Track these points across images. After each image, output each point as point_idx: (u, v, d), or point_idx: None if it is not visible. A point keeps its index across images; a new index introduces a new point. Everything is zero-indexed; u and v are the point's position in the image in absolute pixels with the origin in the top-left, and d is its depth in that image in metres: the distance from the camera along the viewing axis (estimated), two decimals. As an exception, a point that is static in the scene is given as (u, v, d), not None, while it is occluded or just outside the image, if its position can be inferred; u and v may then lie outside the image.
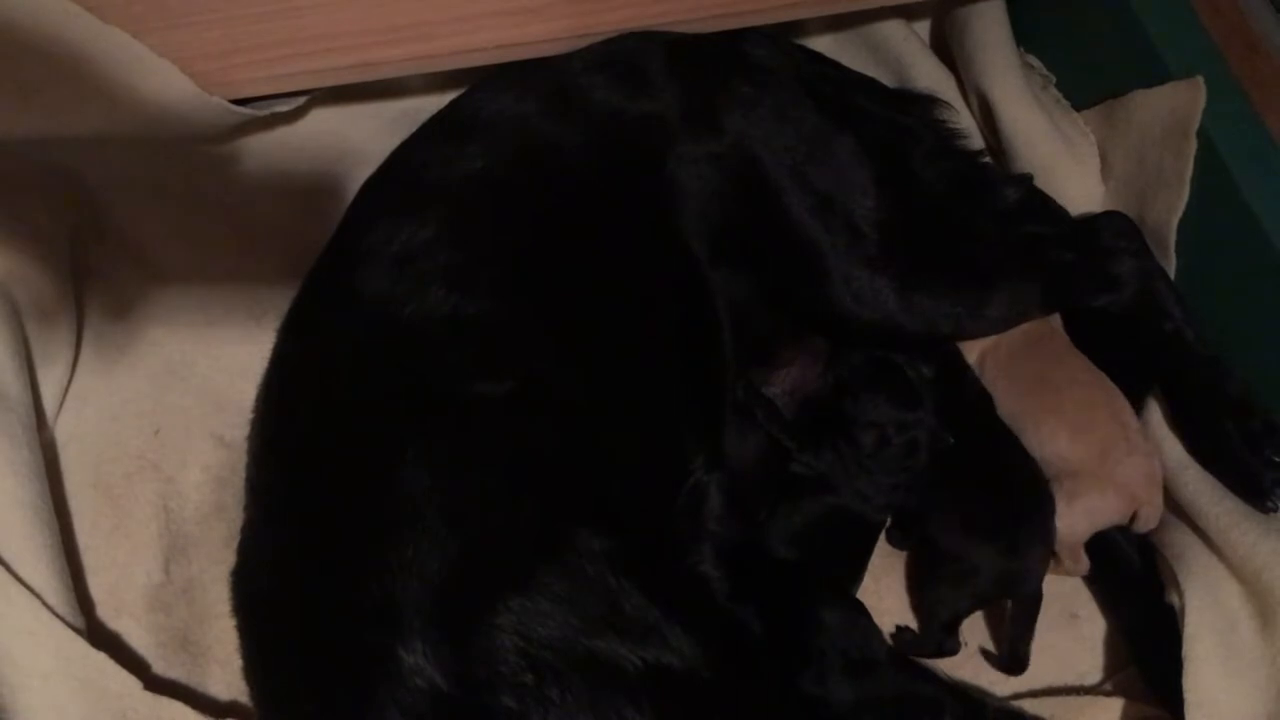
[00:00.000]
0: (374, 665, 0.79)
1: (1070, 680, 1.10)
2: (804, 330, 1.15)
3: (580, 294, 1.00)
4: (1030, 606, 1.07)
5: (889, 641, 1.04)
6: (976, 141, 1.31)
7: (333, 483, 0.89)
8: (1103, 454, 1.07)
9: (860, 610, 1.00)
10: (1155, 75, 1.16)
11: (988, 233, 1.13)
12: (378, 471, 0.87)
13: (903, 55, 1.34)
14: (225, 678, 1.03)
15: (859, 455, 1.10)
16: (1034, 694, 1.09)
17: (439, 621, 0.79)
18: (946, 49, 1.38)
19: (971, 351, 1.17)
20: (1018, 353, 1.15)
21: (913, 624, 1.12)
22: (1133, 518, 1.08)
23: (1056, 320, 1.18)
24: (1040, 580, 1.07)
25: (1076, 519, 1.07)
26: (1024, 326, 1.15)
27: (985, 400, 1.15)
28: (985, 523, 1.07)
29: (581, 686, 0.78)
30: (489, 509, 0.85)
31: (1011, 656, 1.08)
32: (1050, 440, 1.10)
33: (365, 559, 0.83)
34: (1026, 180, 1.22)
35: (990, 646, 1.11)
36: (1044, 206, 1.22)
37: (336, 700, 0.81)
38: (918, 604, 1.13)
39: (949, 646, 1.07)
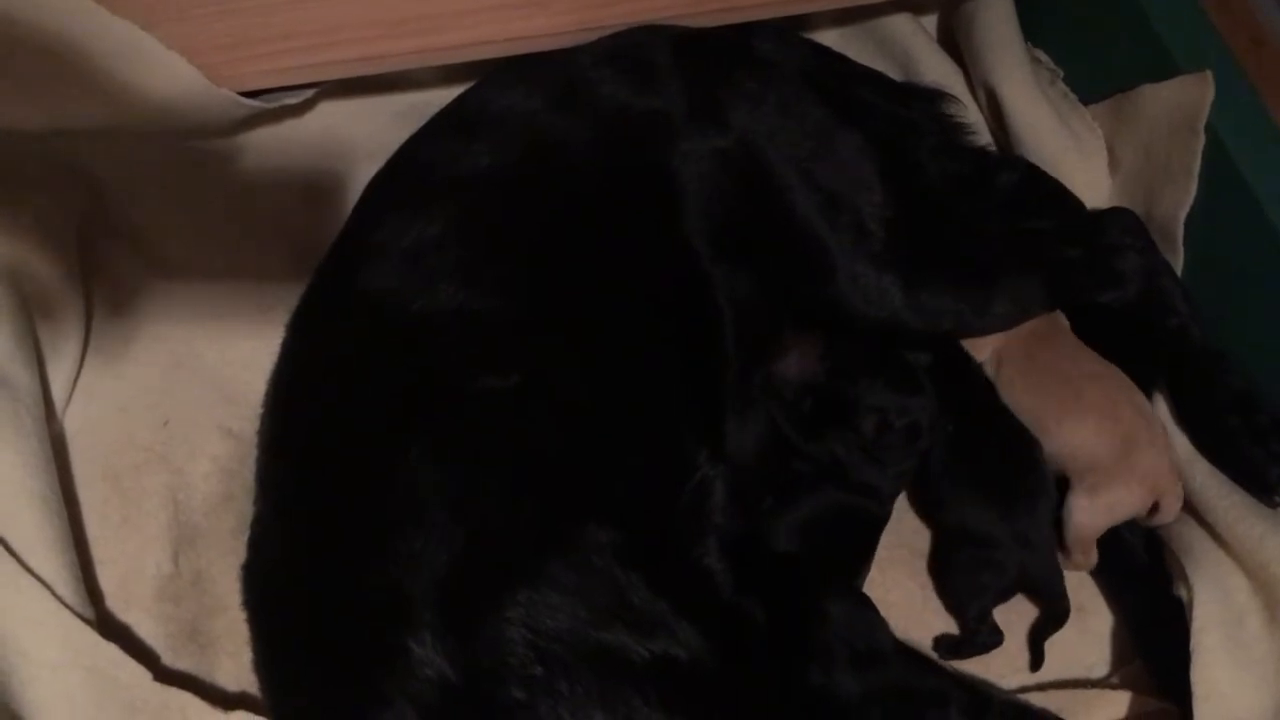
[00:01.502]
0: (383, 657, 0.79)
1: (1077, 673, 1.10)
2: (805, 323, 1.15)
3: (586, 290, 1.00)
4: (1053, 586, 1.08)
5: (895, 635, 1.04)
6: (983, 136, 1.31)
7: (340, 477, 0.90)
8: (1127, 446, 1.07)
9: (866, 603, 1.00)
10: (1163, 69, 1.16)
11: (993, 229, 1.13)
12: (385, 466, 0.87)
13: (910, 50, 1.34)
14: (234, 669, 1.03)
15: (861, 443, 1.10)
16: (1040, 687, 1.08)
17: (447, 614, 0.79)
18: (954, 43, 1.37)
19: (984, 351, 1.17)
20: (1031, 351, 1.15)
21: (918, 615, 1.12)
22: (1154, 509, 1.08)
23: (1061, 318, 1.17)
24: (1054, 564, 1.08)
25: (1098, 512, 1.07)
26: (1031, 325, 1.15)
27: (988, 386, 1.16)
28: (995, 500, 1.08)
29: (590, 678, 0.78)
30: (496, 503, 0.85)
31: (1031, 644, 1.09)
32: (1074, 435, 1.09)
33: (373, 552, 0.83)
34: (1020, 165, 1.22)
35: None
36: (1049, 198, 1.21)
37: (346, 692, 0.81)
38: (950, 606, 1.12)
39: (992, 640, 1.07)
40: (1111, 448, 1.08)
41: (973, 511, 1.09)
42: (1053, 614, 1.08)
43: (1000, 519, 1.07)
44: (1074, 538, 1.08)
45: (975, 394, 1.15)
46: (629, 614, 0.82)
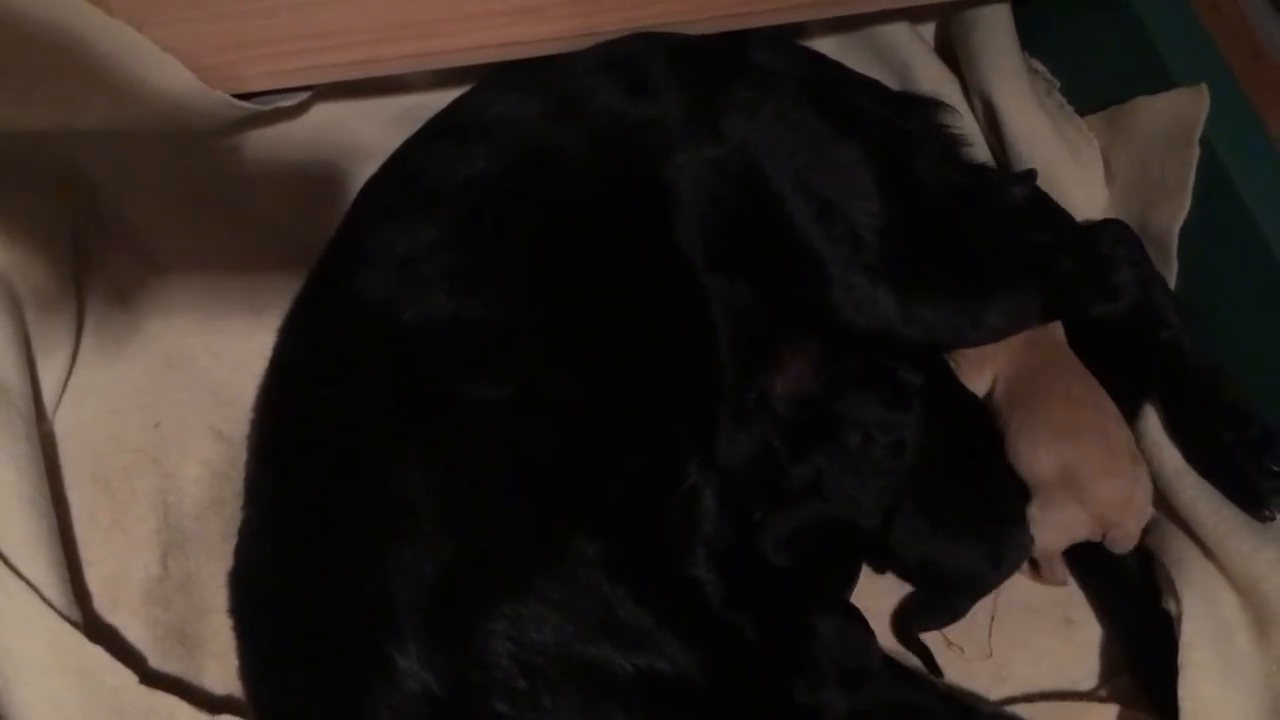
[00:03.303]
0: (367, 668, 0.79)
1: (1064, 686, 1.10)
2: (801, 334, 1.15)
3: (580, 298, 0.99)
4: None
5: (881, 647, 1.04)
6: (980, 147, 1.30)
7: (330, 484, 0.89)
8: (1072, 471, 1.07)
9: (856, 618, 0.99)
10: (1160, 81, 1.16)
11: (988, 241, 1.13)
12: (375, 474, 0.87)
13: (907, 58, 1.34)
14: (221, 673, 1.03)
15: (846, 457, 1.10)
16: (1028, 699, 1.08)
17: (433, 625, 0.79)
18: (951, 52, 1.37)
19: (984, 368, 1.17)
20: (1021, 361, 1.15)
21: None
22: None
23: (1059, 331, 1.17)
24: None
25: (1049, 530, 1.08)
26: (1027, 335, 1.15)
27: (975, 411, 1.15)
28: (960, 528, 1.08)
29: (574, 692, 0.78)
30: (485, 513, 0.85)
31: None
32: (1027, 449, 1.10)
33: (360, 561, 0.83)
34: (1031, 177, 1.22)
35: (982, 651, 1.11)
36: (1046, 210, 1.21)
37: (330, 702, 0.81)
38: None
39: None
40: (1056, 469, 1.08)
41: (918, 539, 1.09)
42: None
43: (959, 543, 1.07)
44: (1037, 551, 1.09)
45: (959, 422, 1.14)
46: (615, 628, 0.82)
